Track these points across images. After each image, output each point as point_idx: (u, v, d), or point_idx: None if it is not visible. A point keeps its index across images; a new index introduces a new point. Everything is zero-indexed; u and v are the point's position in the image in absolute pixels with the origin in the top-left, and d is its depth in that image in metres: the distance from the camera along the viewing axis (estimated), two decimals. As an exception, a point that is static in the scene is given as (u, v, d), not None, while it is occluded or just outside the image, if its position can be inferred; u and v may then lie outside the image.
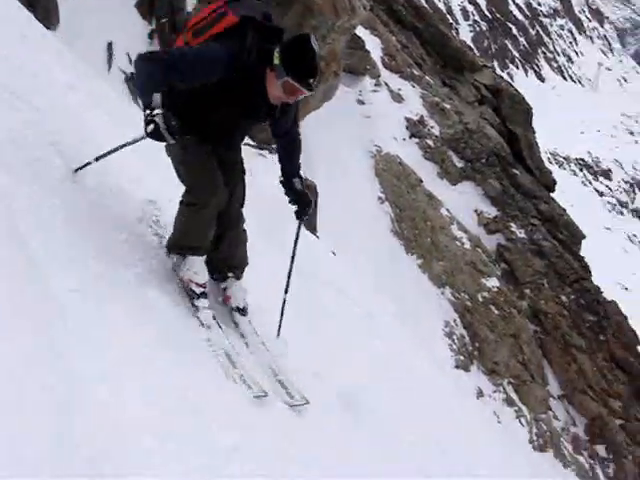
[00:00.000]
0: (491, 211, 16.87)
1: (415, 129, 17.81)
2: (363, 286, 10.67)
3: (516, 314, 14.72)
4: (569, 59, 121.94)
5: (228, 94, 4.38)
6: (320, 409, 4.60)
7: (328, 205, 12.30)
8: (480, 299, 14.15)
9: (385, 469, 4.91)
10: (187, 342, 4.21)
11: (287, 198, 5.14)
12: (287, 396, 4.50)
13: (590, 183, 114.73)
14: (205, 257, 4.83)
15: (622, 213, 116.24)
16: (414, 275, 14.06)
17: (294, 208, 5.16)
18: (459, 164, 17.46)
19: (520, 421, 12.91)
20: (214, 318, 4.68)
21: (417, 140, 17.49)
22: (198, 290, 4.70)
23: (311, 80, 4.25)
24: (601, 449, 14.86)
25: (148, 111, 4.05)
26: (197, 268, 4.75)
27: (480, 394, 12.30)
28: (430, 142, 17.64)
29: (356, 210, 14.19)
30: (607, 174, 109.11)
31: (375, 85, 18.52)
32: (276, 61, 4.17)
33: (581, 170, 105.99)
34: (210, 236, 4.77)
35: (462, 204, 16.76)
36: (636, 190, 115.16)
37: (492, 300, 14.32)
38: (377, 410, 5.33)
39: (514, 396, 13.28)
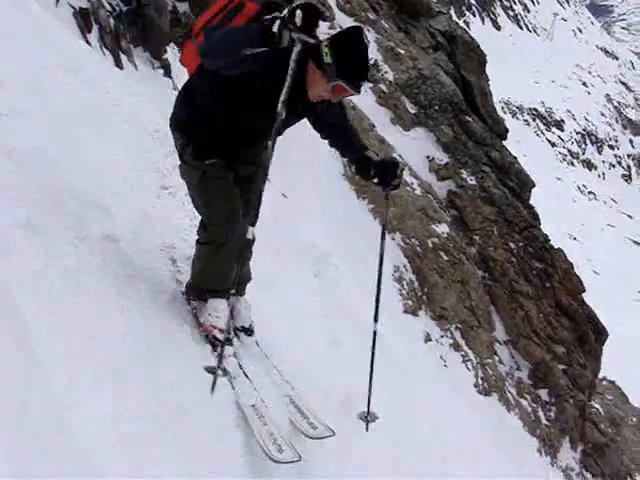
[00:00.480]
0: (443, 158, 16.98)
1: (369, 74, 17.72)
2: (314, 229, 10.76)
3: (465, 260, 14.94)
4: (525, 8, 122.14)
5: (260, 95, 4.02)
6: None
7: (280, 149, 12.25)
8: (430, 245, 14.31)
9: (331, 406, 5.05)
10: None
11: (372, 177, 4.84)
12: (310, 427, 4.38)
13: (543, 133, 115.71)
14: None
15: (573, 164, 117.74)
16: (365, 220, 14.13)
17: (381, 180, 4.87)
18: (412, 110, 17.48)
19: (466, 365, 13.19)
20: (240, 367, 4.47)
21: (371, 85, 17.42)
22: (221, 336, 4.34)
23: (363, 82, 4.05)
24: (544, 393, 15.29)
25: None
26: (220, 312, 4.45)
27: (428, 338, 12.50)
28: (384, 87, 17.60)
29: (308, 154, 14.15)
30: (559, 125, 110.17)
31: (329, 28, 18.33)
32: (327, 59, 3.80)
33: (534, 120, 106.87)
34: (232, 276, 4.41)
35: (414, 150, 16.82)
36: (587, 141, 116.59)
37: (442, 246, 14.49)
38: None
39: (461, 341, 13.53)
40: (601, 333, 17.77)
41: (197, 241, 4.49)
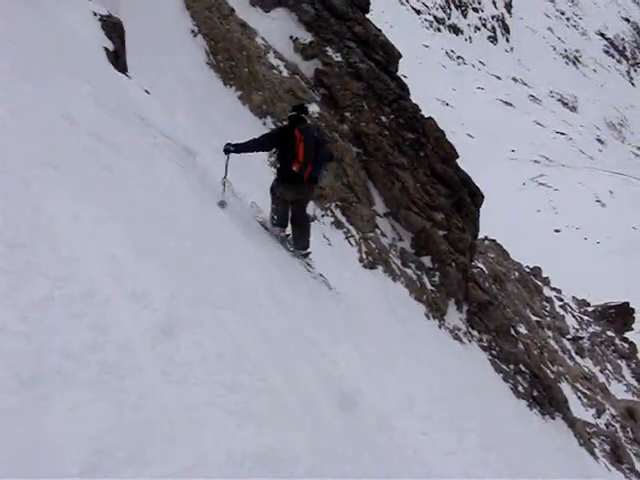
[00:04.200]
0: (306, 37, 16.97)
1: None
2: (181, 125, 10.71)
3: (338, 138, 15.19)
4: None
5: None
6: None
7: (137, 42, 12.00)
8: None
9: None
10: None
11: None
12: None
13: (407, 1, 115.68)
14: None
15: (439, 30, 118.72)
16: (234, 108, 14.13)
17: None
18: (271, -10, 17.28)
19: (349, 241, 13.64)
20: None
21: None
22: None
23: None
24: (427, 260, 16.00)
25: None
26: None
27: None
28: (239, -32, 17.26)
29: (168, 45, 13.91)
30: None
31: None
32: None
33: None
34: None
35: (277, 31, 16.74)
36: (451, 6, 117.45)
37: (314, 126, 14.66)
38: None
39: (342, 218, 13.93)
40: (477, 195, 18.49)
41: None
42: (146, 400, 3.66)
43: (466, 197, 17.93)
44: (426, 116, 17.86)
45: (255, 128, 13.78)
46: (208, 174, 9.57)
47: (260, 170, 12.50)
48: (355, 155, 15.72)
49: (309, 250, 9.97)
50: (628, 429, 25.67)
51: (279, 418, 4.58)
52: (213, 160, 10.12)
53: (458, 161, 18.31)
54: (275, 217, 9.83)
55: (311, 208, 10.50)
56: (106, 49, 10.35)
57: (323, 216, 13.41)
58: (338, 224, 13.67)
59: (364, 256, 13.85)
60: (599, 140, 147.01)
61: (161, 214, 6.47)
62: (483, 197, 18.81)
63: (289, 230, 10.01)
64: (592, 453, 17.42)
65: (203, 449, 3.69)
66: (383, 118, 16.62)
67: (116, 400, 3.50)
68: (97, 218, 4.97)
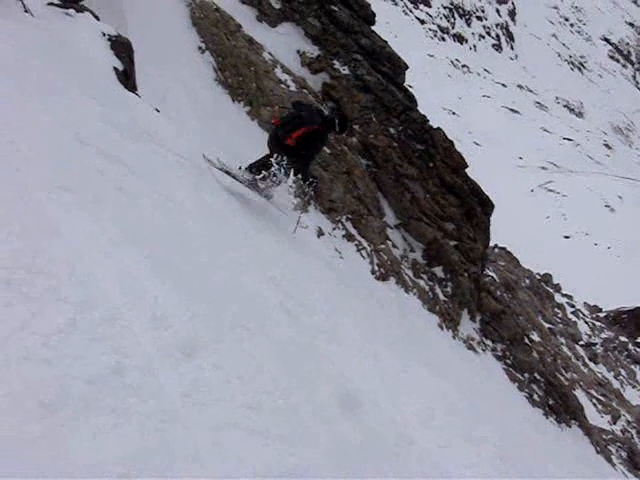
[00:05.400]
0: (313, 50, 17.02)
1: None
2: (191, 142, 10.75)
3: (347, 151, 15.22)
4: None
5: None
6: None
7: (146, 61, 12.08)
8: (311, 140, 14.50)
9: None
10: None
11: None
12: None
13: (411, 12, 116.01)
14: None
15: (444, 39, 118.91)
16: (243, 123, 14.17)
17: None
18: (277, 5, 17.35)
19: (361, 254, 13.64)
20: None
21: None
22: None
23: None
24: (438, 270, 15.99)
25: None
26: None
27: (321, 233, 12.81)
28: (243, -16, 17.35)
29: (176, 63, 13.98)
30: (426, 0, 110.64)
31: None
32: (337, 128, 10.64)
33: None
34: None
35: (283, 46, 16.80)
36: (455, 15, 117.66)
37: (323, 140, 14.70)
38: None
39: (353, 231, 13.94)
40: (487, 205, 18.48)
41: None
42: (169, 423, 3.67)
43: (476, 207, 17.92)
44: (434, 126, 17.86)
45: (265, 143, 13.83)
46: (218, 190, 9.60)
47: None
48: (364, 167, 15.75)
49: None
50: (644, 435, 25.54)
51: (301, 437, 4.59)
52: (222, 176, 10.16)
53: (466, 170, 18.31)
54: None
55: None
56: (115, 69, 10.41)
57: (334, 229, 13.44)
58: (349, 237, 13.68)
59: (376, 268, 13.85)
60: (606, 145, 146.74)
61: (175, 232, 6.50)
62: (493, 206, 18.80)
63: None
64: (609, 460, 17.34)
65: (228, 470, 3.70)
66: (392, 130, 16.65)
67: (139, 423, 3.51)
68: (113, 240, 5.00)
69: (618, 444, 20.82)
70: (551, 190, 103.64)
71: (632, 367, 39.43)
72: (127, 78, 10.80)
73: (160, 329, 4.33)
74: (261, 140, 13.72)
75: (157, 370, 3.95)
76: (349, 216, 14.10)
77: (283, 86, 15.46)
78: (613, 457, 18.48)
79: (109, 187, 6.19)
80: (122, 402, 3.55)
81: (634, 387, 35.93)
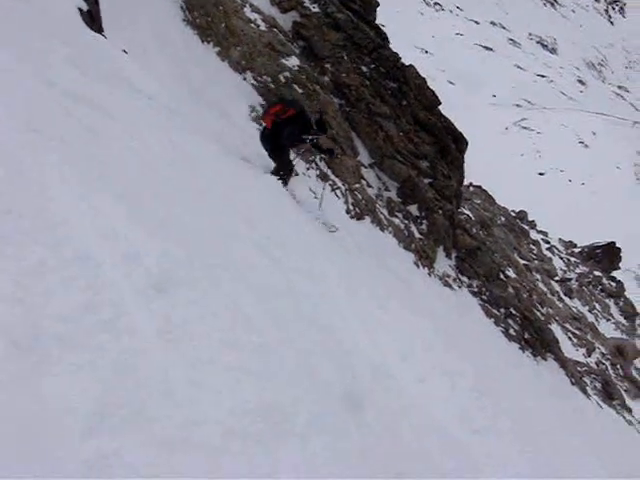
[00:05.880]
0: (282, -12, 16.74)
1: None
2: (160, 83, 10.60)
3: (320, 90, 15.09)
4: None
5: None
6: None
7: (112, 1, 11.82)
8: (282, 79, 14.37)
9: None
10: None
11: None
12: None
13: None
14: None
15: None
16: (214, 64, 13.97)
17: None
18: (244, -57, 17.00)
19: (336, 194, 13.61)
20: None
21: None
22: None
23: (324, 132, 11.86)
24: (413, 209, 16.03)
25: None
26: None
27: (295, 174, 12.73)
28: None
29: (143, 3, 13.69)
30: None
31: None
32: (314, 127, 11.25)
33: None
34: None
35: (252, -16, 16.51)
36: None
37: (294, 79, 14.57)
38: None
39: (327, 170, 13.88)
40: (461, 142, 18.48)
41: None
42: (144, 359, 3.66)
43: (450, 144, 17.92)
44: (406, 64, 17.73)
45: (235, 84, 13.68)
46: (193, 133, 9.50)
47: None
48: (337, 107, 15.63)
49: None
50: (618, 366, 26.02)
51: (278, 373, 4.60)
52: (197, 118, 10.05)
53: (440, 108, 18.23)
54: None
55: None
56: (80, 10, 10.17)
57: (308, 169, 13.37)
58: (324, 176, 13.62)
59: (351, 207, 13.85)
60: (580, 81, 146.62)
61: (146, 174, 6.42)
62: (467, 143, 18.78)
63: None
64: (584, 391, 17.64)
65: (203, 406, 3.70)
66: (364, 68, 16.52)
67: (113, 360, 3.50)
68: (83, 180, 4.93)
69: (593, 376, 21.19)
70: (525, 127, 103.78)
71: (606, 301, 40.02)
72: (92, 19, 10.56)
73: (132, 267, 4.29)
74: (231, 81, 13.59)
75: (130, 307, 3.93)
76: (323, 156, 14.03)
77: (253, 25, 15.23)
78: (588, 388, 18.82)
79: (78, 128, 6.09)
80: (95, 339, 3.52)
81: (608, 320, 36.52)
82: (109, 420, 3.19)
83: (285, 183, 11.41)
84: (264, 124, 11.47)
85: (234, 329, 4.59)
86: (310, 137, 11.33)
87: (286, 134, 11.06)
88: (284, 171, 11.39)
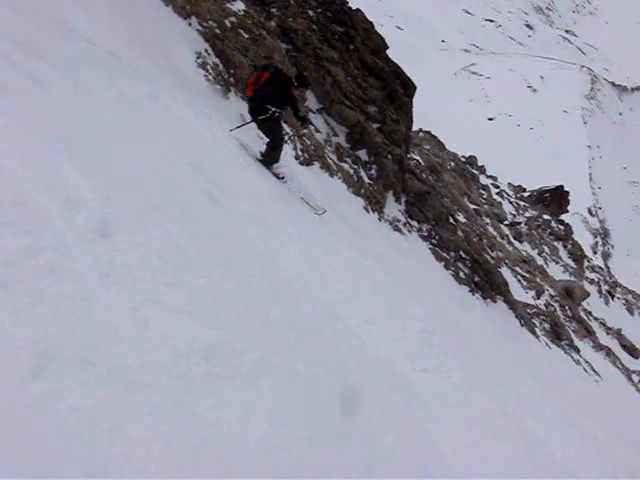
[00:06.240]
0: None
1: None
2: (103, 26, 10.39)
3: (266, 35, 14.91)
4: None
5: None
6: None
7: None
8: (228, 25, 14.14)
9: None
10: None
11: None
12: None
13: None
14: None
15: None
16: (157, 9, 13.70)
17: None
18: None
19: (284, 139, 13.53)
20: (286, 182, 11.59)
21: None
22: (281, 175, 11.65)
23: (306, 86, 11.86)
24: (362, 153, 16.03)
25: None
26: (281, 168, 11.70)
27: (243, 120, 12.64)
28: None
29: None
30: None
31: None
32: (295, 82, 11.18)
33: None
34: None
35: None
36: None
37: (240, 24, 14.36)
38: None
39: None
40: (409, 86, 18.46)
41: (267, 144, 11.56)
42: (87, 302, 3.64)
43: (398, 88, 17.89)
44: (353, 8, 17.59)
45: (180, 29, 13.44)
46: (134, 78, 9.34)
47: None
48: (284, 52, 15.47)
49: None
50: (566, 308, 26.57)
51: (224, 313, 4.61)
52: (140, 63, 9.88)
53: (389, 54, 18.16)
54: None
55: None
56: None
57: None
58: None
59: (300, 153, 13.80)
60: (528, 25, 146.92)
61: (88, 120, 6.33)
62: (415, 87, 18.77)
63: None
64: (533, 332, 18.00)
65: (148, 347, 3.70)
66: (310, 12, 16.35)
67: (57, 304, 3.48)
68: (23, 125, 4.84)
69: (542, 317, 21.61)
70: (474, 72, 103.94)
71: (555, 244, 40.69)
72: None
73: (73, 211, 4.24)
74: (176, 27, 13.36)
75: (72, 251, 3.89)
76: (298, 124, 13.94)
77: (196, -32, 14.92)
78: (537, 329, 19.19)
79: (17, 75, 5.96)
80: (37, 283, 3.49)
81: (557, 263, 37.18)
82: (52, 363, 3.18)
83: (275, 160, 11.70)
84: (248, 98, 11.48)
85: (179, 271, 4.58)
86: (272, 110, 11.22)
87: (263, 93, 11.05)
88: (275, 143, 11.54)
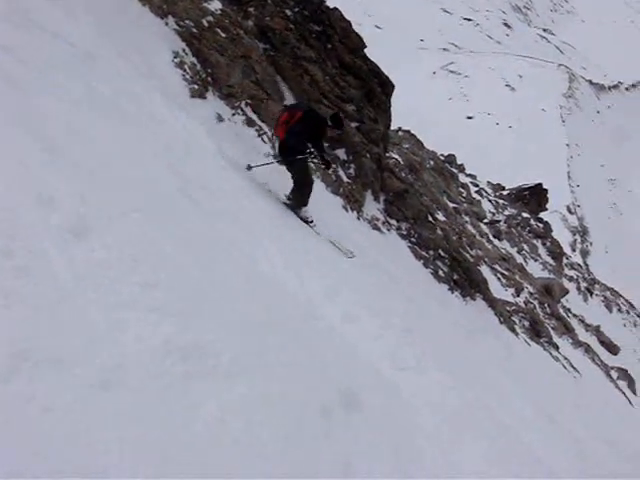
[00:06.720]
0: None
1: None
2: (79, 26, 10.33)
3: (244, 35, 14.88)
4: None
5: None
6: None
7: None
8: (205, 24, 14.09)
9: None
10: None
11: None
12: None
13: None
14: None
15: None
16: (133, 8, 13.63)
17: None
18: None
19: (262, 139, 13.52)
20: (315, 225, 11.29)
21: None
22: (310, 219, 11.27)
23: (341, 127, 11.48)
24: (341, 153, 16.01)
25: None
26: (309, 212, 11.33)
27: (220, 119, 12.62)
28: None
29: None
30: None
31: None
32: (329, 122, 10.84)
33: None
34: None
35: None
36: None
37: (217, 23, 14.31)
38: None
39: (253, 116, 13.76)
40: (387, 85, 18.46)
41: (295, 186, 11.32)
42: (62, 303, 3.63)
43: (376, 87, 17.89)
44: (331, 7, 17.57)
45: (156, 29, 13.38)
46: (110, 78, 9.30)
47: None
48: (262, 51, 15.45)
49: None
50: (545, 305, 26.72)
51: (200, 313, 4.60)
52: (116, 63, 9.84)
53: (367, 53, 18.17)
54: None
55: None
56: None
57: (234, 115, 13.22)
58: (249, 122, 13.50)
59: (278, 153, 13.78)
60: (506, 24, 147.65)
61: (66, 120, 6.29)
62: (394, 86, 18.78)
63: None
64: (512, 330, 18.07)
65: (124, 348, 3.69)
66: (288, 11, 16.31)
67: (32, 305, 3.47)
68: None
69: (521, 314, 21.71)
70: (453, 71, 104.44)
71: (534, 242, 40.90)
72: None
73: (48, 211, 4.22)
74: (153, 27, 13.30)
75: (47, 252, 3.87)
76: (248, 101, 13.87)
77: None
78: (516, 327, 19.26)
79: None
80: (12, 284, 3.48)
81: (536, 261, 37.40)
82: (27, 363, 3.17)
83: (304, 204, 11.35)
84: (279, 138, 11.26)
85: (154, 271, 4.57)
86: (310, 150, 11.10)
87: (294, 131, 10.78)
88: (304, 185, 11.31)
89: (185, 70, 12.85)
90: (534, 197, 50.29)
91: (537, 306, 25.92)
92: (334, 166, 14.56)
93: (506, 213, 43.13)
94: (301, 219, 11.18)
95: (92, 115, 7.20)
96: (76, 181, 4.88)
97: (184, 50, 13.28)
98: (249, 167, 11.41)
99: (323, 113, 11.41)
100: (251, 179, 11.09)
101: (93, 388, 3.34)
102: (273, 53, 15.68)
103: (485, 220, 37.18)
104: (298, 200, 11.30)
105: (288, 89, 15.66)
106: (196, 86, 12.80)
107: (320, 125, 10.91)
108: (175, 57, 12.90)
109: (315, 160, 11.42)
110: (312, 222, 11.28)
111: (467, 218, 32.42)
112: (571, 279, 40.16)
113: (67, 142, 5.69)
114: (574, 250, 79.87)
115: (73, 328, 3.55)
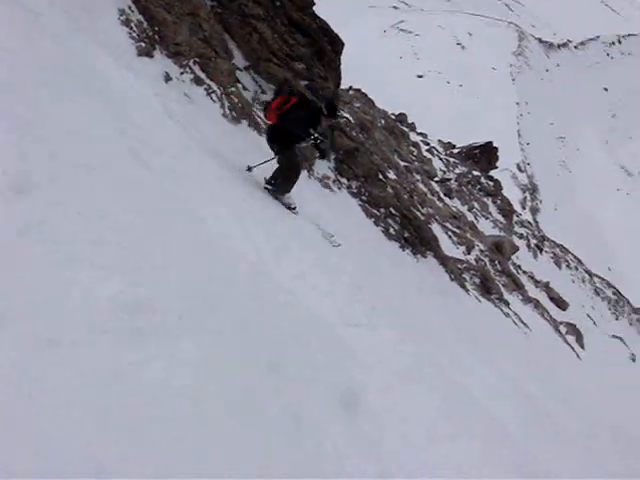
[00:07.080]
0: None
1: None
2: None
3: (190, -9, 14.65)
4: None
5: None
6: None
7: None
8: (151, -20, 13.85)
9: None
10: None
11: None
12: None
13: None
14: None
15: None
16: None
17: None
18: None
19: (211, 97, 13.39)
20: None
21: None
22: (293, 205, 11.13)
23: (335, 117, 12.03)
24: (291, 111, 15.93)
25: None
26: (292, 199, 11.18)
27: (168, 78, 12.46)
28: None
29: None
30: None
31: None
32: (324, 111, 10.55)
33: None
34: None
35: None
36: None
37: (163, -20, 14.07)
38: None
39: (201, 74, 13.61)
40: (336, 43, 18.37)
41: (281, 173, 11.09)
42: (5, 260, 3.60)
43: (326, 45, 17.79)
44: (279, -37, 17.38)
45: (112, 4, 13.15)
46: (55, 36, 9.13)
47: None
48: (209, 9, 15.24)
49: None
50: (496, 262, 27.07)
51: (147, 271, 4.58)
52: (60, 21, 9.64)
53: (316, 10, 18.03)
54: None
55: None
56: None
57: (182, 74, 13.06)
58: (198, 81, 13.35)
59: (227, 111, 13.67)
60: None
61: (9, 78, 6.16)
62: (343, 44, 18.70)
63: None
64: (463, 287, 18.30)
65: (70, 305, 3.67)
66: (234, -33, 16.08)
67: (-26, 262, 3.43)
68: None
69: (472, 272, 21.97)
70: (403, 30, 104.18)
71: (484, 200, 41.30)
72: None
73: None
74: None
75: (-12, 209, 3.83)
76: (196, 59, 13.71)
77: None
78: (467, 284, 19.51)
79: None
80: (-50, 242, 3.45)
81: (487, 218, 37.79)
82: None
83: (287, 191, 11.18)
84: (269, 123, 11.15)
85: (101, 228, 4.54)
86: (315, 136, 10.65)
87: (292, 117, 10.53)
88: (291, 172, 11.10)
89: (132, 28, 12.64)
90: (484, 155, 50.74)
91: (488, 263, 26.24)
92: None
93: (457, 171, 43.44)
94: (284, 205, 11.04)
95: (37, 74, 7.05)
96: (16, 134, 4.79)
97: (130, 8, 13.04)
98: (249, 168, 11.41)
99: (317, 102, 10.82)
100: (203, 139, 11.00)
101: (40, 344, 3.32)
102: (220, 10, 15.49)
103: (436, 178, 37.41)
104: (282, 186, 11.12)
105: (237, 47, 15.52)
106: (143, 44, 12.60)
107: (316, 113, 10.69)
108: (121, 15, 12.67)
109: (321, 146, 11.00)
110: (295, 209, 11.14)
111: (418, 176, 32.58)
112: (521, 236, 40.69)
113: (10, 99, 5.59)
114: (524, 208, 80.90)
115: (17, 284, 3.52)
